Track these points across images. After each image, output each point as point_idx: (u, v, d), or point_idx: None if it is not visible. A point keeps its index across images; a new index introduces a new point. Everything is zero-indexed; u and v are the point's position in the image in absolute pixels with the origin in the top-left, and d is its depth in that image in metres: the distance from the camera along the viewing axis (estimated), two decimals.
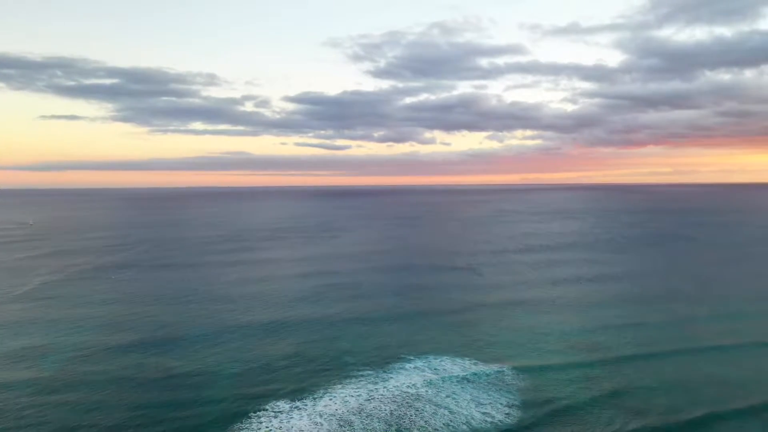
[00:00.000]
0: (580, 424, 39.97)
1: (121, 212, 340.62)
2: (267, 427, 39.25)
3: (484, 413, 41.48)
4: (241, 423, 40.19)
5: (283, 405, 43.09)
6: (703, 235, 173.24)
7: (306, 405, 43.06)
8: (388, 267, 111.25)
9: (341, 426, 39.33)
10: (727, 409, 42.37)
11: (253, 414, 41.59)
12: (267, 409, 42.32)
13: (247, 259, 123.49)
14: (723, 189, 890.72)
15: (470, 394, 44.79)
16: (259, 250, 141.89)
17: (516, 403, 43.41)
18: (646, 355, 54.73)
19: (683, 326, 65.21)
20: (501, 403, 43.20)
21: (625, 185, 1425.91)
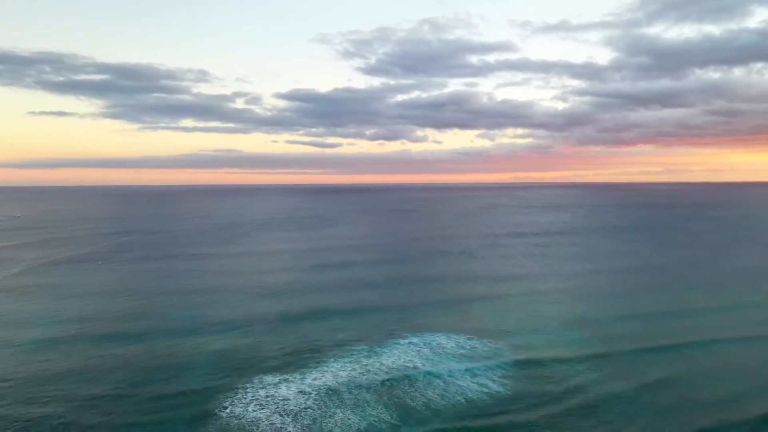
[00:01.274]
0: (576, 397, 38.56)
1: (111, 207, 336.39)
2: (252, 397, 37.54)
3: (479, 384, 39.98)
4: (226, 395, 38.42)
5: (270, 378, 41.36)
6: (695, 227, 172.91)
7: (295, 378, 41.36)
8: (383, 253, 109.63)
9: (329, 396, 37.67)
10: (730, 406, 38.34)
11: (240, 387, 39.83)
12: (254, 383, 40.59)
13: (242, 250, 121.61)
14: (714, 188, 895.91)
15: (465, 367, 43.30)
16: (254, 240, 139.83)
17: (511, 374, 41.96)
18: (644, 344, 53.42)
19: (675, 316, 63.48)
20: (496, 375, 41.73)
21: (616, 184, 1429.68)
